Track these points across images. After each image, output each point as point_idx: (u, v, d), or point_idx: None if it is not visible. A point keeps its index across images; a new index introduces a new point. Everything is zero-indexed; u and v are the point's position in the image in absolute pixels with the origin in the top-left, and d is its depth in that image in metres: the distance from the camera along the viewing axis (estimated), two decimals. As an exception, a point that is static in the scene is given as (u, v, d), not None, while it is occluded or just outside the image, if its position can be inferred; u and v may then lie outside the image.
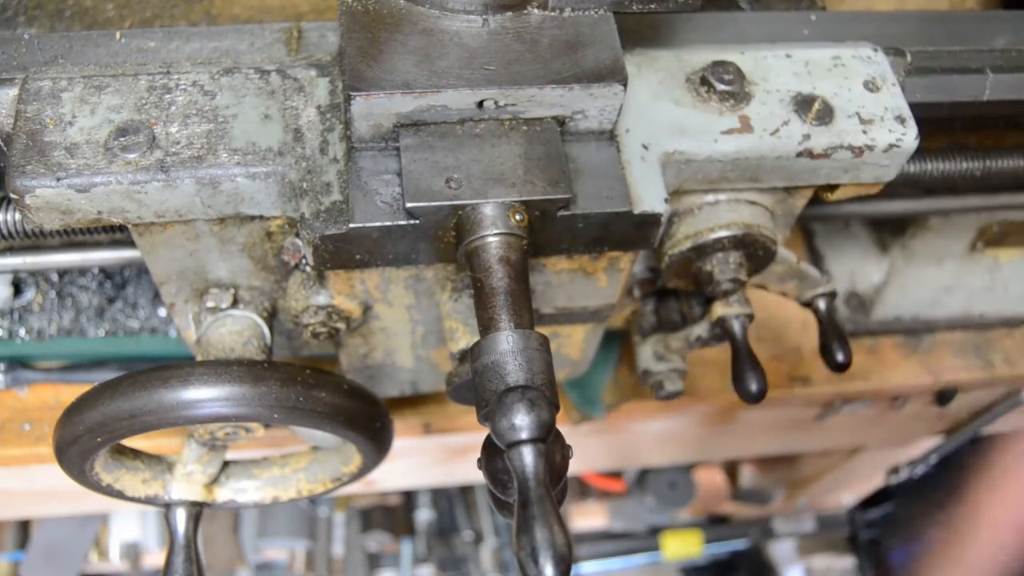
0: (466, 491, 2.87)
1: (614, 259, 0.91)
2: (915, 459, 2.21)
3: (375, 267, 0.82)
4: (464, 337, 0.89)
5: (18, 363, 1.28)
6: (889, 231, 1.48)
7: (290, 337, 1.08)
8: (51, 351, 1.29)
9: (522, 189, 0.76)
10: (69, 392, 1.28)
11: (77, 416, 0.84)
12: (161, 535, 2.51)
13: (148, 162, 0.76)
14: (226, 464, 1.06)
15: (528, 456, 0.63)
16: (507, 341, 0.69)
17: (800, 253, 1.52)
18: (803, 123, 0.88)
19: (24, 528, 2.45)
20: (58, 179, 0.74)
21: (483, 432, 0.68)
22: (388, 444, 1.00)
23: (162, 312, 1.32)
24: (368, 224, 0.76)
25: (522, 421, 0.62)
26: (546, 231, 0.80)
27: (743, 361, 1.02)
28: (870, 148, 0.88)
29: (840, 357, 1.02)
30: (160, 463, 1.02)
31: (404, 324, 0.98)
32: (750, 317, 1.05)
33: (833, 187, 0.95)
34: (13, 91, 0.80)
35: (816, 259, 1.53)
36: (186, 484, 1.01)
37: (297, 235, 0.87)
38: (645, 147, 0.85)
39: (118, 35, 0.87)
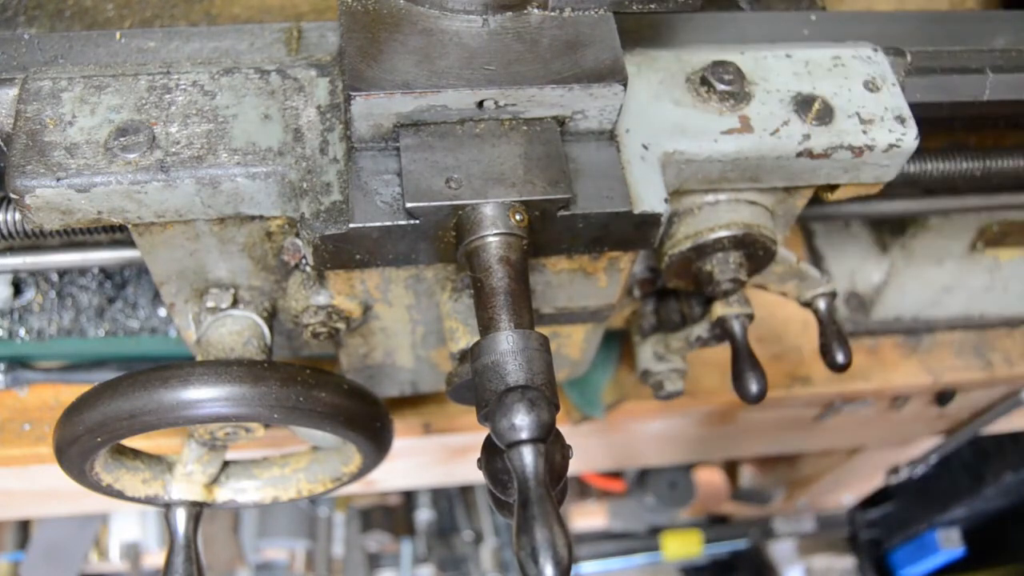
0: (466, 491, 2.87)
1: (614, 259, 0.91)
2: (915, 459, 2.21)
3: (375, 267, 0.82)
4: (464, 337, 0.89)
5: (18, 363, 1.28)
6: (889, 231, 1.48)
7: (290, 337, 1.08)
8: (51, 351, 1.29)
9: (522, 189, 0.76)
10: (69, 392, 1.28)
11: (77, 416, 0.84)
12: (161, 535, 2.51)
13: (148, 162, 0.76)
14: (226, 464, 1.06)
15: (528, 456, 0.63)
16: (507, 341, 0.69)
17: (800, 253, 1.52)
18: (803, 123, 0.88)
19: (24, 528, 2.45)
20: (58, 179, 0.74)
21: (483, 432, 0.68)
22: (388, 444, 1.00)
23: (162, 312, 1.32)
24: (368, 224, 0.76)
25: (522, 421, 0.62)
26: (546, 231, 0.80)
27: (743, 361, 1.02)
28: (870, 148, 0.88)
29: (840, 357, 1.02)
30: (160, 463, 1.02)
31: (404, 324, 0.98)
32: (750, 317, 1.05)
33: (833, 187, 0.95)
34: (13, 91, 0.80)
35: (816, 259, 1.53)
36: (186, 484, 1.01)
37: (297, 235, 0.87)
38: (645, 147, 0.85)
39: (118, 35, 0.87)
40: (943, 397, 1.65)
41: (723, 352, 1.10)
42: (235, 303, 0.96)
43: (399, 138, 0.78)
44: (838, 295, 1.23)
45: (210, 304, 0.94)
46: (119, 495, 1.00)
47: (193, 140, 0.78)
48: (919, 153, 1.11)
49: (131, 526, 2.50)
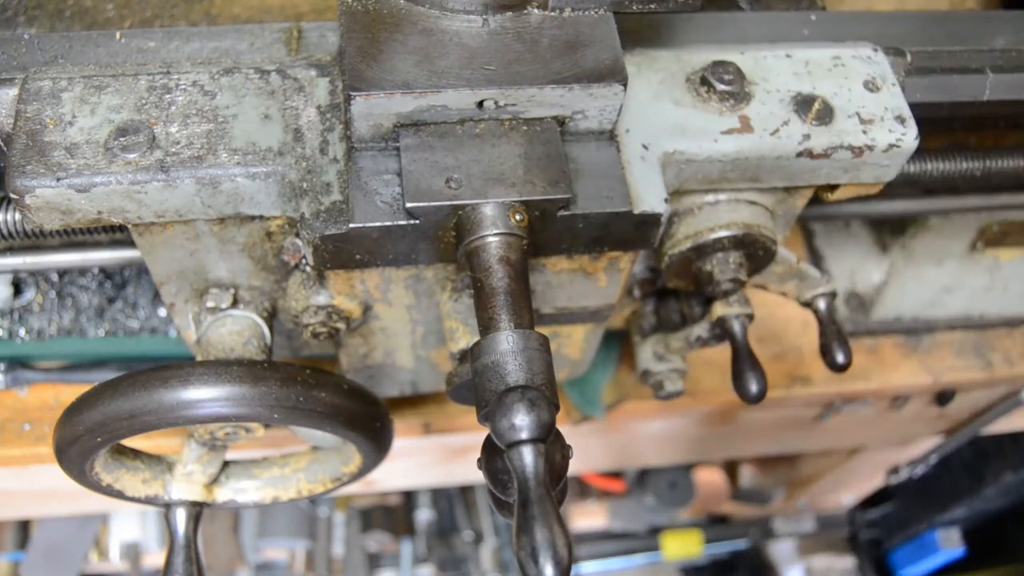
0: (466, 491, 2.87)
1: (614, 259, 0.91)
2: (915, 459, 2.21)
3: (375, 267, 0.82)
4: (464, 337, 0.89)
5: (18, 363, 1.28)
6: (889, 231, 1.48)
7: (290, 337, 1.08)
8: (51, 351, 1.29)
9: (522, 189, 0.76)
10: (69, 392, 1.28)
11: (77, 416, 0.84)
12: (161, 535, 2.51)
13: (148, 162, 0.76)
14: (226, 464, 1.06)
15: (528, 456, 0.63)
16: (507, 341, 0.69)
17: (800, 253, 1.52)
18: (803, 123, 0.88)
19: (24, 528, 2.45)
20: (58, 179, 0.74)
21: (483, 432, 0.68)
22: (388, 444, 1.00)
23: (162, 312, 1.32)
24: (368, 224, 0.76)
25: (522, 421, 0.62)
26: (546, 231, 0.80)
27: (743, 361, 1.02)
28: (870, 148, 0.88)
29: (840, 357, 1.02)
30: (160, 463, 1.02)
31: (404, 324, 0.98)
32: (750, 317, 1.05)
33: (833, 187, 0.95)
34: (13, 91, 0.80)
35: (816, 259, 1.53)
36: (186, 484, 1.01)
37: (297, 235, 0.87)
38: (645, 147, 0.85)
39: (118, 35, 0.87)
40: (943, 397, 1.65)
41: (723, 352, 1.10)
42: (235, 303, 0.96)
43: (399, 138, 0.78)
44: (838, 295, 1.23)
45: (210, 304, 0.94)
46: (119, 495, 1.00)
47: (193, 140, 0.78)
48: (919, 153, 1.11)
49: (131, 526, 2.50)
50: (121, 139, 0.76)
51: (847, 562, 2.90)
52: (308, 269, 0.90)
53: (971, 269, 1.47)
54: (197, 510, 1.02)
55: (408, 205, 0.75)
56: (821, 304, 1.08)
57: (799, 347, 1.50)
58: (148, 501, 1.01)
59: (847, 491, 2.63)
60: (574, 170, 0.81)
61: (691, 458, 2.51)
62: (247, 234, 0.87)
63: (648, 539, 2.95)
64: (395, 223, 0.76)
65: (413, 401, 1.37)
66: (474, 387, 0.71)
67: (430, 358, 1.07)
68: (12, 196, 0.76)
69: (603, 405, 1.43)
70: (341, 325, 0.93)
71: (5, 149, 0.82)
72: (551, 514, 0.61)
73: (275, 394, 0.83)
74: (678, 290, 1.16)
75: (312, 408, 0.86)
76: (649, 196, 0.82)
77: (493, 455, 0.68)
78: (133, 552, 2.48)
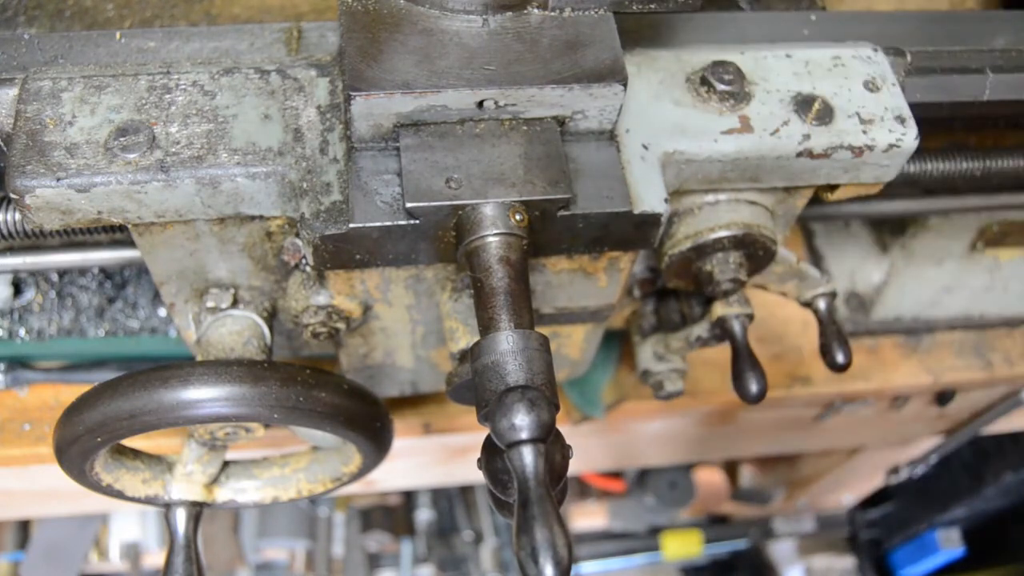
0: (466, 491, 2.87)
1: (614, 259, 0.91)
2: (915, 459, 2.21)
3: (375, 267, 0.82)
4: (464, 337, 0.89)
5: (18, 363, 1.28)
6: (889, 231, 1.48)
7: (290, 337, 1.08)
8: (51, 351, 1.29)
9: (522, 189, 0.76)
10: (69, 392, 1.28)
11: (77, 416, 0.84)
12: (161, 535, 2.51)
13: (148, 162, 0.76)
14: (226, 464, 1.06)
15: (528, 456, 0.63)
16: (507, 341, 0.69)
17: (800, 253, 1.52)
18: (803, 123, 0.88)
19: (24, 528, 2.45)
20: (58, 179, 0.74)
21: (483, 432, 0.68)
22: (388, 444, 1.00)
23: (162, 312, 1.32)
24: (368, 224, 0.76)
25: (522, 421, 0.62)
26: (546, 231, 0.80)
27: (743, 361, 1.02)
28: (870, 148, 0.88)
29: (840, 357, 1.02)
30: (160, 463, 1.02)
31: (404, 324, 0.98)
32: (750, 317, 1.05)
33: (833, 187, 0.95)
34: (13, 91, 0.80)
35: (816, 259, 1.53)
36: (186, 484, 1.01)
37: (297, 235, 0.87)
38: (645, 147, 0.85)
39: (118, 35, 0.87)
40: (943, 397, 1.65)
41: (723, 352, 1.10)
42: (235, 303, 0.96)
43: (399, 138, 0.78)
44: (838, 295, 1.23)
45: (210, 304, 0.94)
46: (119, 495, 1.00)
47: (193, 140, 0.78)
48: (919, 153, 1.11)
49: (131, 526, 2.50)
50: (121, 139, 0.76)
51: (847, 562, 2.90)
52: (308, 269, 0.90)
53: (971, 269, 1.47)
54: (197, 510, 1.02)
55: (408, 205, 0.75)
56: (821, 304, 1.08)
57: (799, 347, 1.50)
58: (148, 501, 1.01)
59: (847, 491, 2.63)
60: (574, 170, 0.81)
61: (691, 458, 2.51)
62: (247, 234, 0.87)
63: (648, 539, 2.95)
64: (395, 223, 0.76)
65: (413, 401, 1.37)
66: (474, 387, 0.71)
67: (430, 358, 1.07)
68: (12, 196, 0.76)
69: (603, 405, 1.43)
70: (341, 325, 0.93)
71: (5, 149, 0.82)
72: (551, 514, 0.61)
73: (275, 394, 0.83)
74: (678, 290, 1.16)
75: (312, 408, 0.86)
76: (649, 196, 0.82)
77: (493, 455, 0.68)
78: (133, 552, 2.48)
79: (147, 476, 1.00)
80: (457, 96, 0.76)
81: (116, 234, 1.07)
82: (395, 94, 0.75)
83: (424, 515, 2.77)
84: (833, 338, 1.04)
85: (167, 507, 1.01)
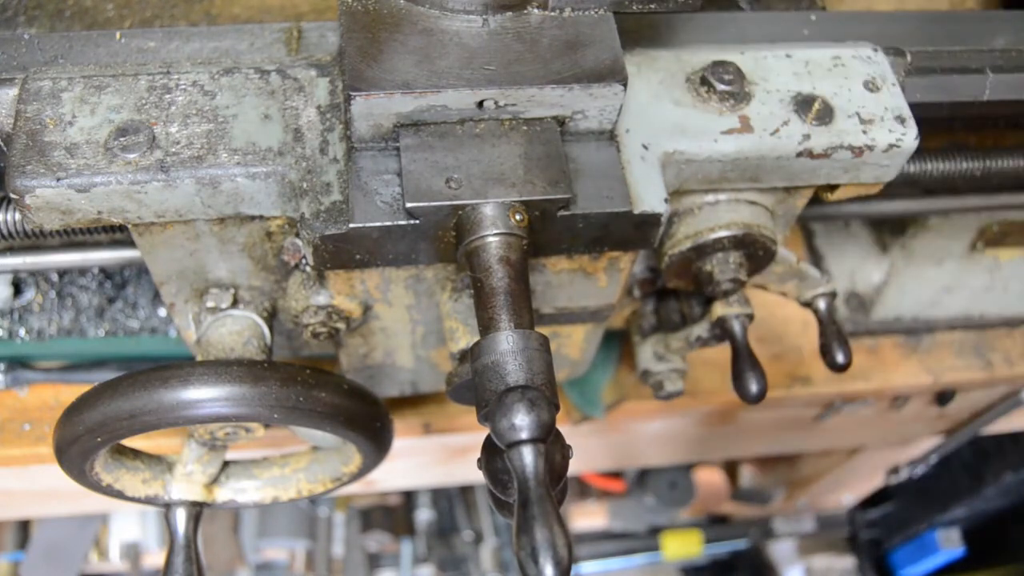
0: (466, 491, 2.87)
1: (614, 259, 0.91)
2: (915, 459, 2.21)
3: (375, 267, 0.82)
4: (464, 337, 0.89)
5: (18, 363, 1.28)
6: (889, 231, 1.48)
7: (290, 337, 1.08)
8: (51, 351, 1.29)
9: (522, 189, 0.76)
10: (69, 392, 1.28)
11: (77, 416, 0.84)
12: (161, 535, 2.51)
13: (148, 162, 0.76)
14: (226, 464, 1.06)
15: (528, 456, 0.63)
16: (507, 341, 0.69)
17: (800, 253, 1.52)
18: (803, 123, 0.88)
19: (24, 528, 2.45)
20: (58, 179, 0.74)
21: (483, 432, 0.68)
22: (388, 444, 1.00)
23: (162, 312, 1.32)
24: (368, 224, 0.76)
25: (522, 421, 0.62)
26: (546, 231, 0.80)
27: (743, 361, 1.02)
28: (870, 148, 0.88)
29: (840, 357, 1.02)
30: (160, 463, 1.02)
31: (404, 324, 0.98)
32: (750, 317, 1.05)
33: (833, 187, 0.95)
34: (13, 91, 0.80)
35: (816, 259, 1.53)
36: (186, 484, 1.01)
37: (297, 235, 0.87)
38: (645, 147, 0.85)
39: (118, 35, 0.87)
40: (943, 397, 1.65)
41: (723, 352, 1.10)
42: (235, 303, 0.96)
43: (399, 138, 0.78)
44: (838, 295, 1.23)
45: (210, 304, 0.94)
46: (119, 495, 1.00)
47: (193, 140, 0.78)
48: (919, 153, 1.11)
49: (131, 526, 2.50)
50: (121, 139, 0.76)
51: (847, 562, 2.90)
52: (308, 269, 0.90)
53: (971, 269, 1.47)
54: (197, 510, 1.02)
55: (408, 205, 0.75)
56: (821, 304, 1.08)
57: (799, 347, 1.50)
58: (148, 501, 1.01)
59: (847, 491, 2.63)
60: (574, 170, 0.81)
61: (691, 458, 2.51)
62: (247, 234, 0.87)
63: (648, 539, 2.95)
64: (395, 223, 0.76)
65: (413, 401, 1.37)
66: (474, 387, 0.71)
67: (430, 358, 1.07)
68: (12, 196, 0.76)
69: (603, 405, 1.43)
70: (341, 325, 0.93)
71: (5, 149, 0.82)
72: (551, 514, 0.61)
73: (275, 394, 0.83)
74: (678, 290, 1.16)
75: (312, 408, 0.86)
76: (649, 196, 0.82)
77: (493, 455, 0.68)
78: (133, 552, 2.48)
79: (147, 476, 1.00)
80: (457, 96, 0.76)
81: (116, 234, 1.07)
82: (395, 94, 0.75)
83: (424, 515, 2.77)
84: (833, 338, 1.04)
85: (167, 507, 1.01)
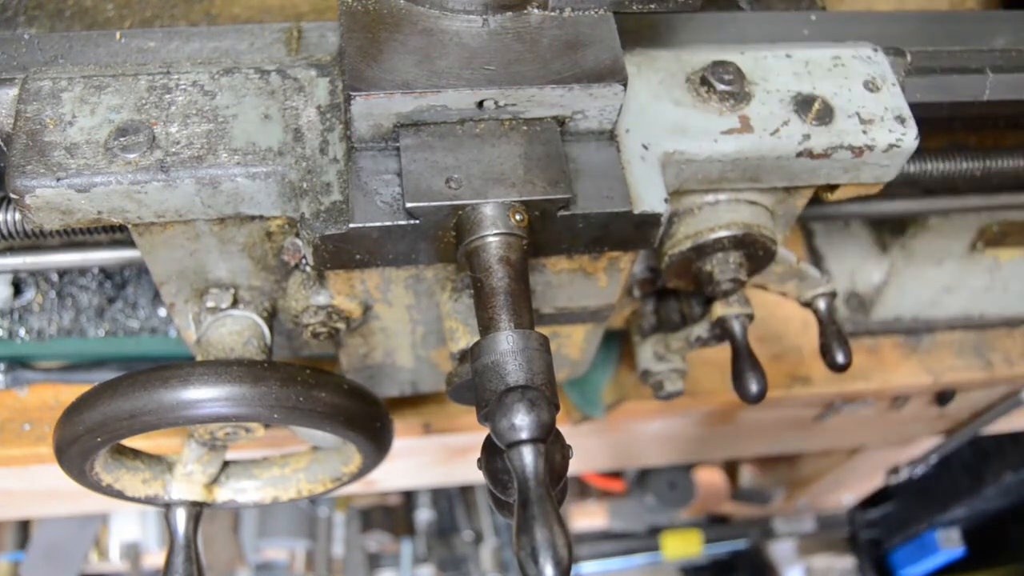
0: (466, 491, 2.87)
1: (614, 259, 0.91)
2: (915, 459, 2.21)
3: (375, 267, 0.82)
4: (464, 337, 0.89)
5: (18, 363, 1.28)
6: (889, 231, 1.48)
7: (290, 337, 1.08)
8: (51, 351, 1.29)
9: (522, 189, 0.76)
10: (69, 392, 1.28)
11: (77, 416, 0.84)
12: (161, 535, 2.51)
13: (148, 162, 0.76)
14: (226, 464, 1.06)
15: (528, 456, 0.63)
16: (507, 341, 0.69)
17: (800, 253, 1.52)
18: (803, 123, 0.88)
19: (24, 528, 2.45)
20: (58, 179, 0.74)
21: (483, 432, 0.68)
22: (388, 444, 1.00)
23: (162, 312, 1.32)
24: (368, 224, 0.76)
25: (522, 421, 0.62)
26: (546, 231, 0.80)
27: (743, 361, 1.02)
28: (870, 148, 0.88)
29: (840, 357, 1.02)
30: (160, 463, 1.02)
31: (404, 324, 0.98)
32: (750, 317, 1.05)
33: (833, 187, 0.95)
34: (13, 91, 0.80)
35: (816, 259, 1.53)
36: (186, 484, 1.01)
37: (297, 235, 0.87)
38: (645, 147, 0.85)
39: (118, 35, 0.87)
40: (943, 397, 1.65)
41: (723, 352, 1.10)
42: (235, 303, 0.96)
43: (399, 138, 0.78)
44: (838, 295, 1.23)
45: (210, 304, 0.94)
46: (119, 495, 1.00)
47: (193, 140, 0.78)
48: (919, 153, 1.11)
49: (131, 526, 2.50)
50: (121, 139, 0.76)
51: (847, 562, 2.90)
52: (308, 269, 0.90)
53: (971, 269, 1.47)
54: (197, 510, 1.02)
55: (408, 205, 0.75)
56: (821, 304, 1.08)
57: (799, 347, 1.50)
58: (148, 501, 1.01)
59: (847, 491, 2.63)
60: (574, 170, 0.81)
61: (691, 458, 2.51)
62: (247, 234, 0.87)
63: (648, 539, 2.95)
64: (395, 223, 0.76)
65: (413, 401, 1.37)
66: (474, 387, 0.71)
67: (430, 358, 1.07)
68: (12, 196, 0.76)
69: (603, 405, 1.43)
70: (341, 325, 0.93)
71: (5, 149, 0.82)
72: (551, 514, 0.61)
73: (275, 394, 0.83)
74: (678, 290, 1.16)
75: (312, 408, 0.86)
76: (649, 196, 0.82)
77: (493, 455, 0.68)
78: (133, 552, 2.48)
79: (147, 476, 1.00)
80: (457, 96, 0.76)
81: (116, 234, 1.07)
82: (395, 94, 0.75)
83: (424, 515, 2.77)
84: (833, 338, 1.04)
85: (167, 507, 1.01)
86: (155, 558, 2.51)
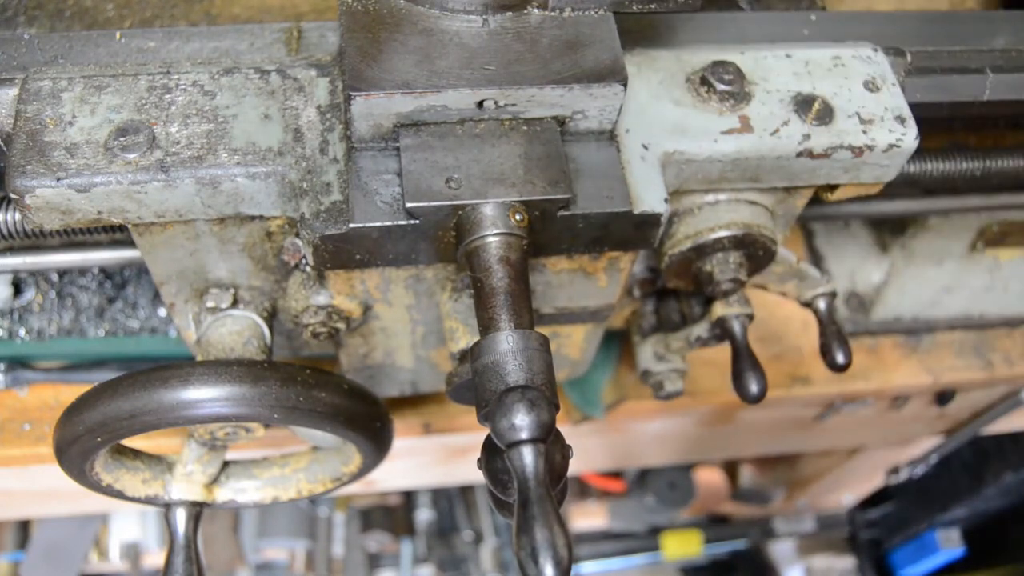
0: (466, 491, 2.87)
1: (614, 259, 0.91)
2: (915, 459, 2.21)
3: (375, 267, 0.82)
4: (464, 337, 0.89)
5: (18, 363, 1.28)
6: (889, 231, 1.48)
7: (290, 337, 1.08)
8: (51, 351, 1.29)
9: (522, 189, 0.76)
10: (69, 392, 1.28)
11: (77, 416, 0.84)
12: (161, 535, 2.51)
13: (148, 162, 0.76)
14: (226, 464, 1.06)
15: (528, 456, 0.63)
16: (507, 341, 0.69)
17: (800, 253, 1.52)
18: (803, 123, 0.88)
19: (24, 528, 2.45)
20: (58, 179, 0.74)
21: (483, 432, 0.68)
22: (388, 444, 1.00)
23: (162, 312, 1.32)
24: (368, 224, 0.76)
25: (522, 421, 0.62)
26: (546, 231, 0.80)
27: (743, 361, 1.02)
28: (870, 148, 0.88)
29: (840, 357, 1.02)
30: (160, 463, 1.02)
31: (404, 324, 0.98)
32: (750, 317, 1.05)
33: (833, 187, 0.95)
34: (13, 91, 0.80)
35: (816, 259, 1.53)
36: (186, 484, 1.01)
37: (297, 235, 0.87)
38: (645, 147, 0.85)
39: (118, 35, 0.87)
40: (943, 397, 1.65)
41: (723, 352, 1.10)
42: (235, 303, 0.96)
43: (399, 138, 0.78)
44: (838, 295, 1.23)
45: (210, 304, 0.94)
46: (119, 495, 1.00)
47: (193, 140, 0.78)
48: (919, 153, 1.11)
49: (131, 526, 2.50)
50: (121, 139, 0.76)
51: (847, 562, 2.91)
52: (308, 269, 0.90)
53: (971, 269, 1.47)
54: (197, 510, 1.02)
55: (408, 205, 0.75)
56: (821, 304, 1.08)
57: (799, 347, 1.50)
58: (148, 501, 1.01)
59: (847, 491, 2.63)
60: (574, 170, 0.81)
61: (691, 458, 2.51)
62: (247, 234, 0.87)
63: (648, 539, 2.95)
64: (395, 223, 0.76)
65: (413, 401, 1.37)
66: (474, 387, 0.71)
67: (430, 358, 1.07)
68: (12, 196, 0.76)
69: (603, 405, 1.43)
70: (341, 325, 0.93)
71: (5, 149, 0.82)
72: (551, 514, 0.61)
73: (275, 394, 0.83)
74: (678, 290, 1.16)
75: (312, 408, 0.86)
76: (649, 196, 0.82)
77: (493, 455, 0.68)
78: (133, 552, 2.48)
79: (147, 476, 1.00)
80: (457, 96, 0.76)
81: (116, 234, 1.07)
82: (395, 94, 0.75)
83: (424, 515, 2.78)
84: (833, 338, 1.04)
85: (167, 507, 1.01)
86: (155, 558, 2.51)
